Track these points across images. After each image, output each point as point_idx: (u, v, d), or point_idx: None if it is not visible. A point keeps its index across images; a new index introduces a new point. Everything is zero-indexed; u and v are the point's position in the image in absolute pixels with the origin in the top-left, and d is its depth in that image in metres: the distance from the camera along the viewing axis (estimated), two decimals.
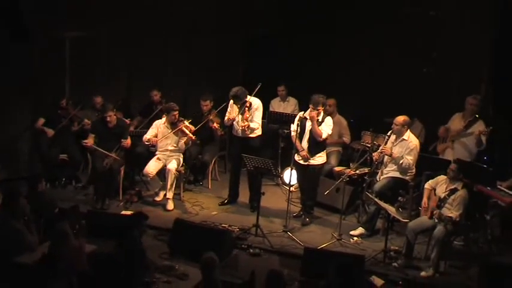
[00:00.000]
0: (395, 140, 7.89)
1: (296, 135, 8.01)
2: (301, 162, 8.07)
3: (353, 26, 10.16)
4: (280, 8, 10.76)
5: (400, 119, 7.82)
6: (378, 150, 7.95)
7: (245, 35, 11.16)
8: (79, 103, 9.34)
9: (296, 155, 8.10)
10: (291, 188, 8.29)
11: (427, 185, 7.32)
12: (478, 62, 9.22)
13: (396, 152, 7.81)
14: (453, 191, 6.96)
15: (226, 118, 8.59)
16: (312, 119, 7.88)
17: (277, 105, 10.27)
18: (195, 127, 8.70)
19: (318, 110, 7.91)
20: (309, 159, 8.01)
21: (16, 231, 6.16)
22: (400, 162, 7.74)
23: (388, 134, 7.95)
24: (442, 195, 7.03)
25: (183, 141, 8.55)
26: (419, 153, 7.94)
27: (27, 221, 6.31)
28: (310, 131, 7.98)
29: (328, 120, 8.06)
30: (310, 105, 7.96)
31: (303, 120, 8.05)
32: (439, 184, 7.20)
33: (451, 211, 6.90)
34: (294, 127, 8.09)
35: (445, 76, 9.65)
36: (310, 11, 10.39)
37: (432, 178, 7.37)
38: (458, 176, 7.05)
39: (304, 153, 7.98)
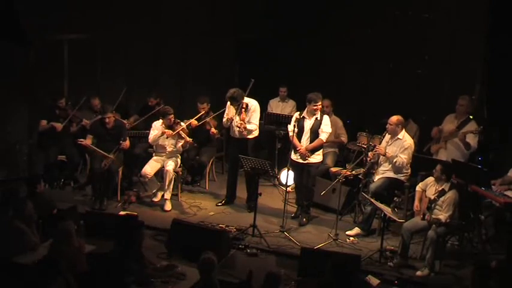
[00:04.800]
0: (390, 139, 7.97)
1: (294, 134, 8.09)
2: (299, 160, 8.14)
3: (347, 28, 10.24)
4: (274, 11, 10.82)
5: (394, 118, 7.89)
6: (373, 150, 8.03)
7: (238, 38, 11.22)
8: (77, 104, 9.39)
9: (293, 154, 8.17)
10: (288, 188, 8.34)
11: (418, 188, 7.41)
12: (472, 63, 9.28)
13: (391, 152, 7.88)
14: (442, 193, 7.04)
15: (224, 119, 8.66)
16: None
17: (275, 105, 10.34)
18: (193, 130, 8.81)
19: (319, 105, 8.01)
20: (309, 157, 8.07)
21: (19, 232, 6.21)
22: (394, 161, 7.81)
23: (384, 134, 8.04)
24: (432, 197, 7.11)
25: (180, 144, 8.61)
26: (414, 153, 8.02)
27: (30, 221, 6.37)
28: (310, 130, 8.06)
29: (326, 119, 8.15)
30: (311, 104, 8.02)
31: (300, 121, 8.13)
32: (428, 186, 7.28)
33: (441, 213, 6.98)
34: (291, 127, 8.17)
35: (439, 77, 9.72)
36: (304, 13, 10.45)
37: (427, 178, 7.44)
38: (441, 177, 7.12)
39: (303, 150, 8.04)
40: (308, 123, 8.10)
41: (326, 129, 8.10)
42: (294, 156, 8.19)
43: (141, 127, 9.38)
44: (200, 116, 9.14)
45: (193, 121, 9.00)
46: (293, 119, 8.23)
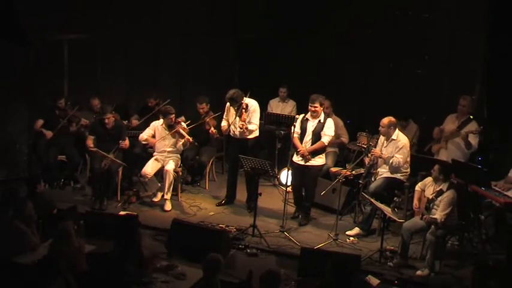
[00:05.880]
0: (386, 141, 7.97)
1: (296, 136, 8.10)
2: (301, 162, 8.12)
3: (347, 28, 10.24)
4: (274, 11, 10.83)
5: (385, 120, 7.89)
6: (369, 154, 8.03)
7: (238, 38, 11.23)
8: (77, 104, 9.39)
9: (295, 155, 8.16)
10: (288, 188, 8.34)
11: (417, 187, 7.41)
12: (472, 63, 9.29)
13: (387, 153, 7.88)
14: (440, 193, 7.04)
15: (222, 125, 8.66)
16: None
17: (275, 105, 10.34)
18: (192, 129, 8.80)
19: (315, 107, 7.98)
20: (309, 159, 8.07)
21: (19, 232, 6.22)
22: (390, 161, 7.81)
23: (378, 136, 8.06)
24: (430, 197, 7.12)
25: (180, 143, 8.61)
26: (413, 153, 8.02)
27: (30, 221, 6.37)
28: (313, 131, 8.05)
29: (330, 122, 8.13)
30: (309, 103, 8.04)
31: (304, 122, 8.11)
32: (427, 186, 7.29)
33: (438, 212, 6.98)
34: (297, 129, 8.16)
35: (439, 77, 9.73)
36: (304, 13, 10.46)
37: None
38: (439, 177, 7.13)
39: (304, 151, 8.03)
40: (311, 125, 8.09)
41: (329, 132, 8.08)
42: (295, 158, 8.18)
43: (141, 127, 9.38)
44: (187, 130, 9.01)
45: (184, 127, 8.88)
46: (298, 120, 8.21)
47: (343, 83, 10.56)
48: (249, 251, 7.43)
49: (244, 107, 8.37)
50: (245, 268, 6.35)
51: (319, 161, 8.17)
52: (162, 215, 8.41)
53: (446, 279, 6.92)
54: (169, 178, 8.50)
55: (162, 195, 8.65)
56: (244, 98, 8.39)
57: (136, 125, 9.48)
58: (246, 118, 8.38)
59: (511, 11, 8.45)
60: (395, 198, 8.24)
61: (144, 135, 8.68)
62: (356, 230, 7.97)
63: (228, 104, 8.53)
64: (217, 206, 8.80)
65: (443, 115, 8.54)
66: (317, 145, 8.05)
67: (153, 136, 8.69)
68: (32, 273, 5.35)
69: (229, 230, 7.74)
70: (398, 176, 7.92)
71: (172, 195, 8.68)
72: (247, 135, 8.50)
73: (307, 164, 8.11)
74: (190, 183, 9.60)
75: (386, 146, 7.95)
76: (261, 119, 8.91)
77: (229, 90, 8.44)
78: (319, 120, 8.08)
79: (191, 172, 9.61)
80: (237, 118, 8.43)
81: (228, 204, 8.83)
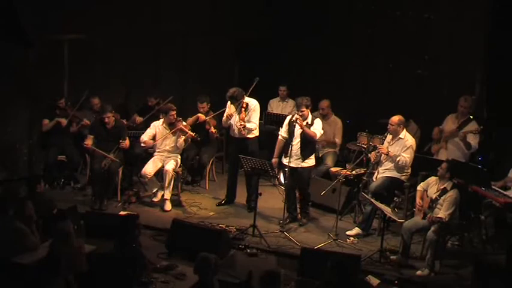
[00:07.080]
0: (392, 139, 7.97)
1: (280, 137, 8.11)
2: (291, 165, 7.98)
3: (347, 28, 10.24)
4: (274, 11, 10.83)
5: (395, 118, 7.90)
6: (375, 151, 8.03)
7: (238, 38, 11.23)
8: (77, 103, 9.40)
9: (283, 158, 8.11)
10: None
11: (419, 187, 7.41)
12: (472, 63, 9.29)
13: (393, 151, 7.88)
14: (444, 192, 7.04)
15: (224, 118, 8.66)
16: (298, 124, 7.85)
17: (275, 105, 10.34)
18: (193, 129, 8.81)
19: (302, 112, 7.93)
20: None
21: (19, 232, 6.21)
22: (397, 160, 7.81)
23: (385, 134, 8.05)
24: (434, 196, 7.12)
25: (182, 139, 8.59)
26: (415, 153, 8.02)
27: (30, 221, 6.37)
28: (301, 134, 7.99)
29: (318, 122, 8.08)
30: (297, 109, 8.02)
31: (291, 125, 8.06)
32: (430, 185, 7.29)
33: (442, 211, 6.99)
34: (282, 132, 8.14)
35: (439, 77, 9.73)
36: (304, 13, 10.46)
37: (427, 178, 7.45)
38: (445, 175, 7.14)
39: (275, 161, 8.04)
40: (298, 128, 8.00)
41: (318, 128, 8.00)
42: (285, 160, 8.12)
43: (141, 127, 9.38)
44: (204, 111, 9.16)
45: (201, 115, 9.00)
46: (285, 122, 8.17)
47: (343, 83, 10.56)
48: (249, 251, 7.43)
49: (244, 106, 8.37)
50: (245, 268, 6.36)
51: (309, 162, 8.13)
52: (162, 215, 8.41)
53: (446, 279, 6.92)
54: (169, 178, 8.49)
55: (162, 195, 8.65)
56: (245, 96, 8.39)
57: (140, 122, 9.48)
58: (245, 117, 8.37)
59: (511, 11, 8.45)
60: (395, 198, 8.24)
61: (145, 136, 8.65)
62: (356, 230, 7.96)
63: (228, 102, 8.53)
64: (217, 206, 8.80)
65: (443, 115, 8.55)
66: (310, 132, 7.91)
67: (154, 136, 8.67)
68: (32, 273, 5.35)
69: (229, 230, 7.74)
70: (399, 176, 7.92)
71: (172, 195, 8.68)
72: (246, 134, 8.49)
73: (298, 166, 8.04)
74: (190, 183, 9.60)
75: (392, 145, 7.95)
76: (261, 119, 8.91)
77: (230, 89, 8.44)
78: (307, 123, 8.00)
79: (191, 172, 9.61)
80: (237, 117, 8.43)
81: (228, 204, 8.83)
